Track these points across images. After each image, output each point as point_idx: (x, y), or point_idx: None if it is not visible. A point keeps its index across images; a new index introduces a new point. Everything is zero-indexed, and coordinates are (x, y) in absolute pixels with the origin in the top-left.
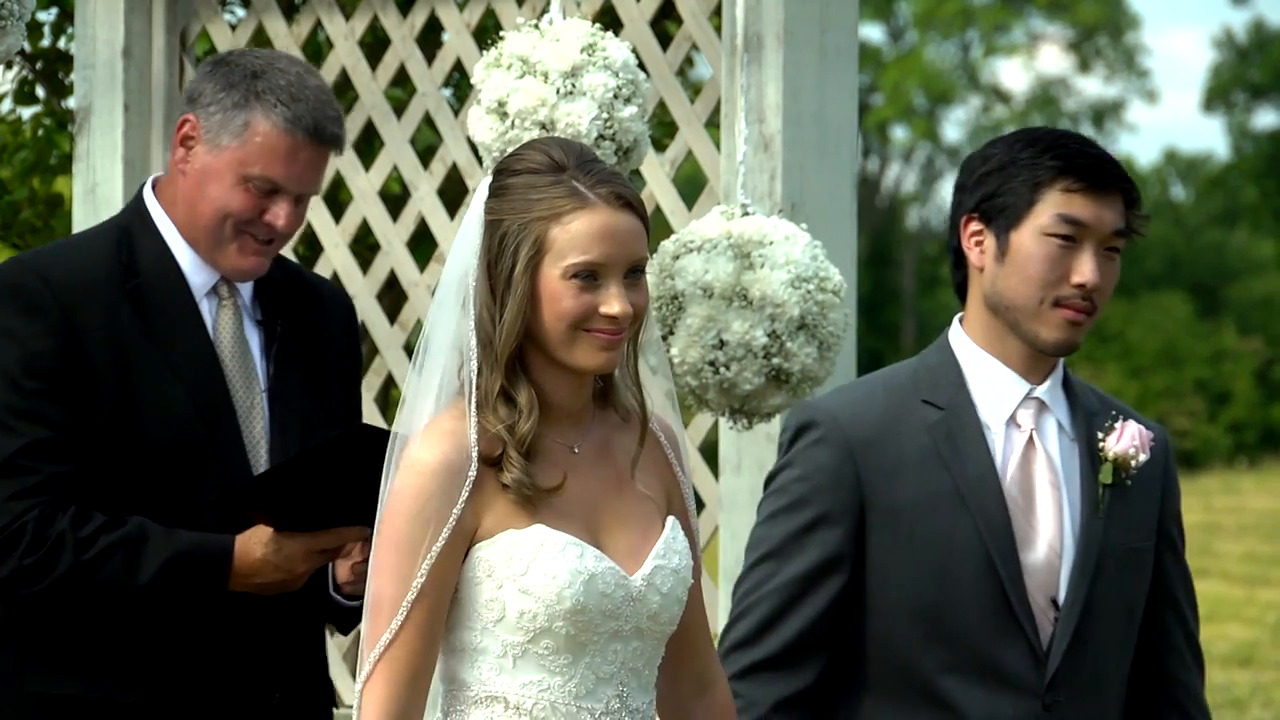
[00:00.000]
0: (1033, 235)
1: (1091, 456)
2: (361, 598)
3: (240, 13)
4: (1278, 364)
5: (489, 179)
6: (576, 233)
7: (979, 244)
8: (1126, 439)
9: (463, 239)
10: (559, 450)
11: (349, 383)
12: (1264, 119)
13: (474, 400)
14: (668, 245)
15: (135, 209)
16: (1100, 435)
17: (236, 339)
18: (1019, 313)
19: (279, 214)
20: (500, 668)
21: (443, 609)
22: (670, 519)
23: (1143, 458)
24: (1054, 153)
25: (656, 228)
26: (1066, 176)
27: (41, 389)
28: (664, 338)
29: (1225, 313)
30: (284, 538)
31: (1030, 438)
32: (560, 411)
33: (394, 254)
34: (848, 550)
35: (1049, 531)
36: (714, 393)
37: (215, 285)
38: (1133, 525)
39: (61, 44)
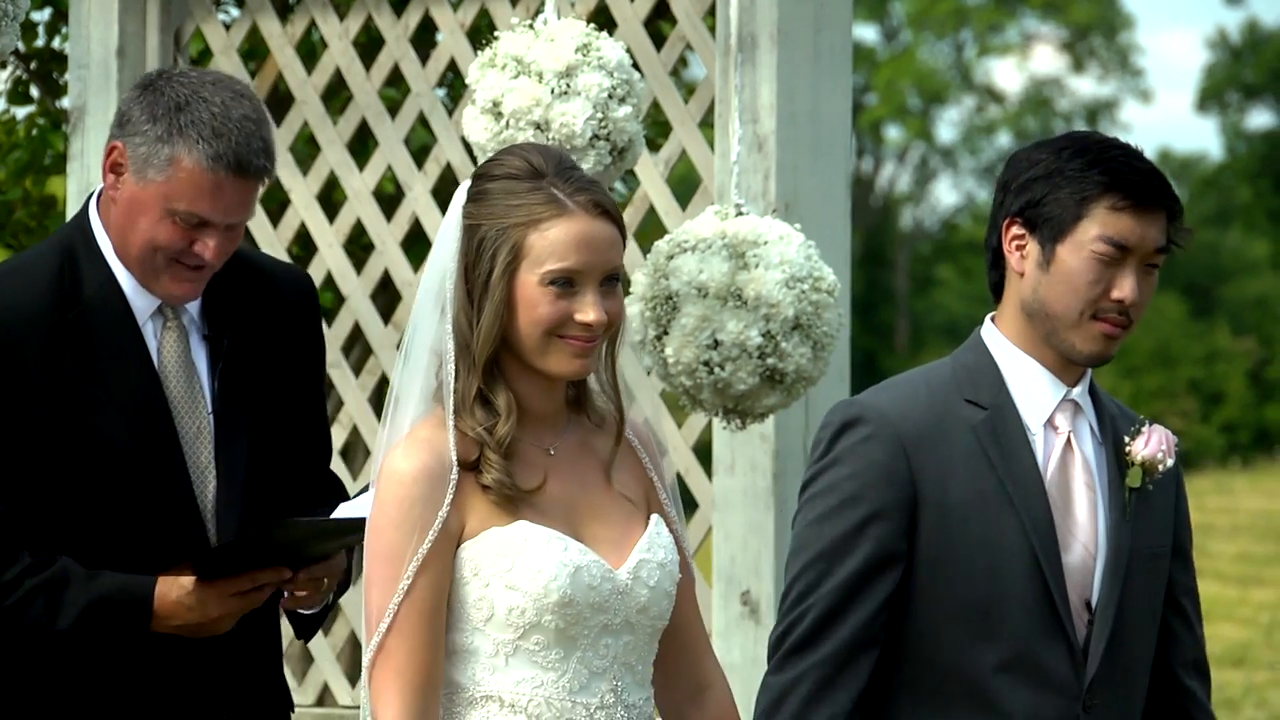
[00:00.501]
0: (1076, 249)
1: (1119, 460)
2: (310, 608)
3: (234, 12)
4: (1271, 364)
5: (467, 184)
6: (554, 240)
7: (1020, 249)
8: (1155, 443)
9: (441, 243)
10: (534, 453)
11: (308, 383)
12: (1258, 119)
13: (451, 404)
14: (662, 245)
15: (79, 226)
16: (1127, 440)
17: (182, 361)
18: (1057, 322)
19: (207, 246)
20: (493, 667)
21: (440, 614)
22: (654, 516)
23: (1170, 462)
24: (1101, 167)
25: (650, 228)
26: (1113, 193)
27: None
28: (658, 338)
29: (1219, 313)
30: (201, 583)
31: (1069, 440)
32: (534, 415)
33: (388, 254)
34: (901, 547)
35: (1085, 534)
36: (708, 393)
37: (160, 306)
38: (1154, 529)
39: (56, 44)
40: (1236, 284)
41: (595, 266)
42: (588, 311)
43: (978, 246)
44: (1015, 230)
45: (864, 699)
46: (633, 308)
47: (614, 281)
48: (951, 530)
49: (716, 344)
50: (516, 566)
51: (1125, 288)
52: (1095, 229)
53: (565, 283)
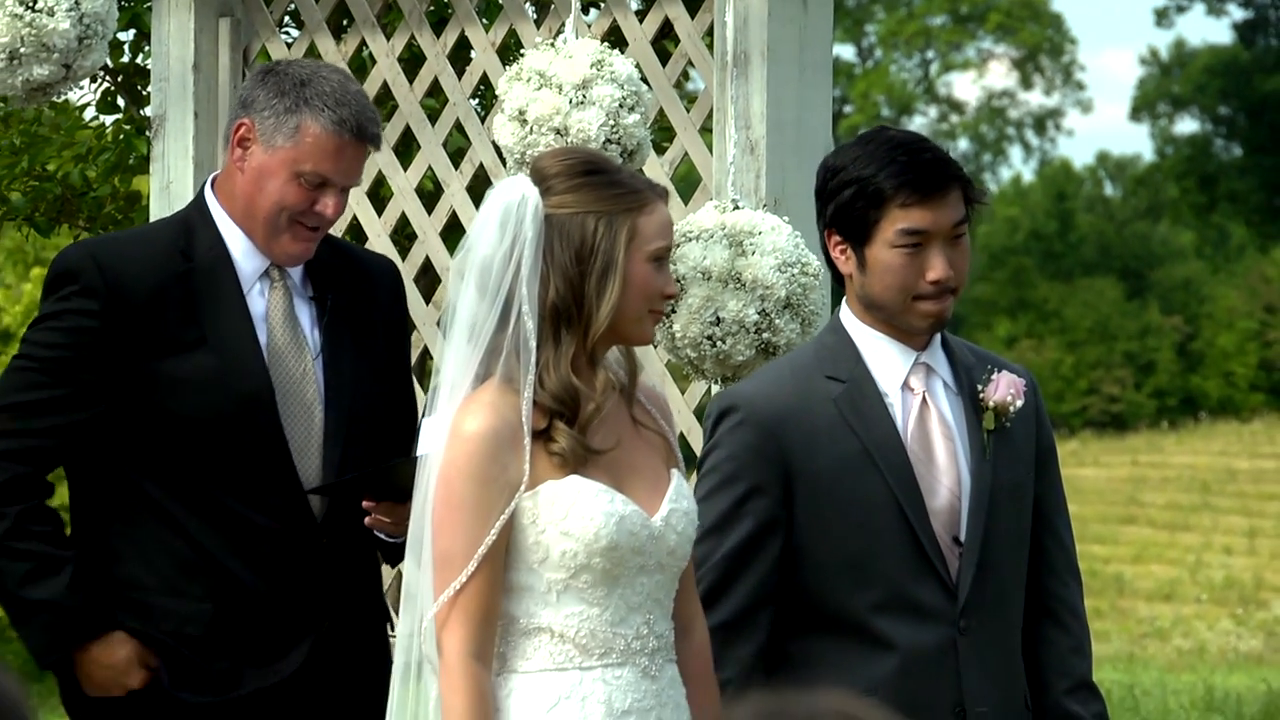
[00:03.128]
0: (883, 247)
1: (975, 407)
2: (396, 538)
3: (295, 33)
4: (1196, 339)
5: (519, 184)
6: (657, 222)
7: (843, 253)
8: (1003, 388)
9: (483, 236)
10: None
11: (397, 346)
12: (1184, 126)
13: (532, 375)
14: None
15: (196, 204)
16: (980, 388)
17: (287, 315)
18: (888, 310)
19: (328, 204)
20: (545, 602)
21: (502, 558)
22: (674, 470)
23: (1019, 403)
24: (887, 171)
25: None
26: (901, 193)
27: (77, 358)
28: (666, 315)
29: (1150, 294)
30: (124, 649)
31: (924, 398)
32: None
33: (429, 243)
34: (780, 514)
35: (948, 478)
36: (710, 363)
37: (266, 270)
38: (1016, 462)
39: (139, 60)
40: (1166, 269)
41: (672, 246)
42: (671, 285)
43: None
44: (835, 239)
45: (768, 646)
46: None
47: None
48: (822, 494)
49: (718, 321)
50: (570, 515)
51: (937, 268)
52: (894, 226)
53: (660, 260)
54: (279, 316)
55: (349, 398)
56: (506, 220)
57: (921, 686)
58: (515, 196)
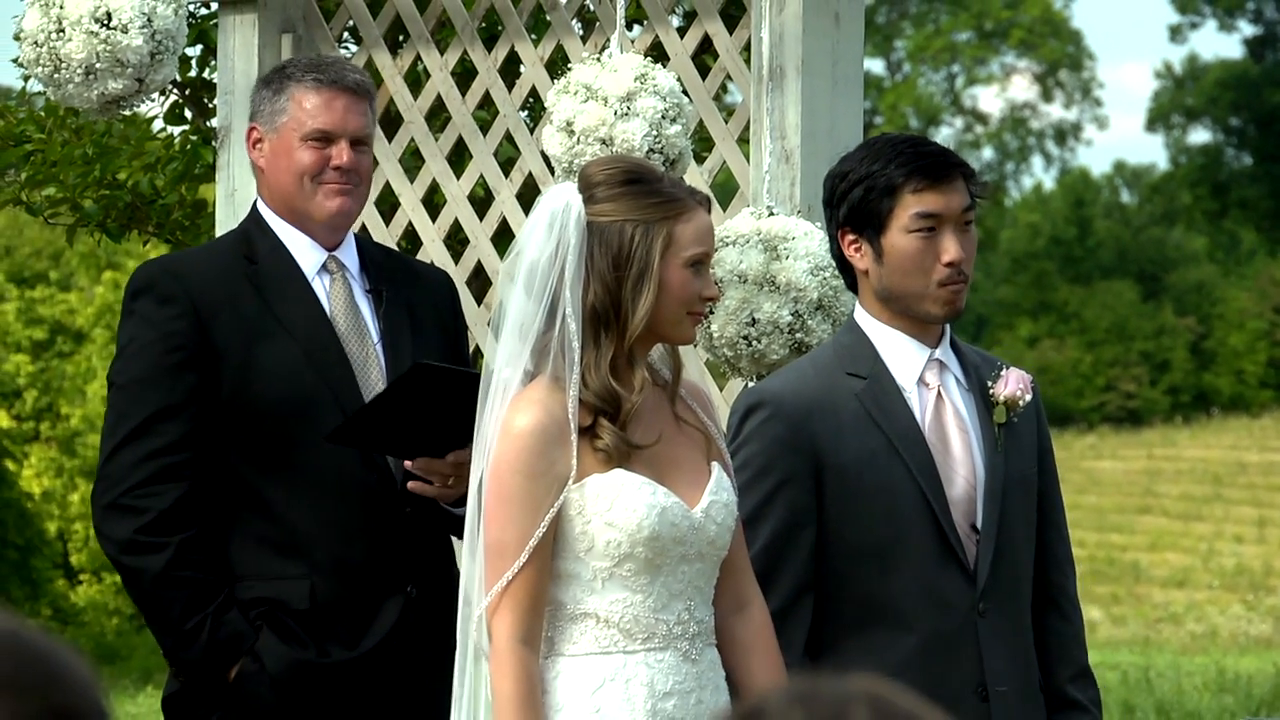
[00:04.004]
0: (900, 234)
1: (985, 402)
2: (453, 502)
3: (353, 48)
4: (1208, 338)
5: (566, 191)
6: (695, 228)
7: (858, 251)
8: (1013, 383)
9: (533, 240)
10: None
11: (452, 347)
12: (1197, 136)
13: (577, 374)
14: None
15: (252, 216)
16: (990, 383)
17: (349, 304)
18: (909, 299)
19: (341, 154)
20: (591, 589)
21: (551, 548)
22: (714, 462)
23: (1028, 398)
24: (897, 162)
25: None
26: (912, 180)
27: (178, 361)
28: (705, 316)
29: (1165, 296)
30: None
31: (939, 393)
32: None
33: (480, 247)
34: (811, 504)
35: (964, 469)
36: (746, 362)
37: (325, 263)
38: (1022, 455)
39: (206, 74)
40: (1179, 272)
41: (712, 252)
42: (711, 288)
43: None
44: (849, 237)
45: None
46: None
47: None
48: (849, 485)
49: (754, 322)
50: (615, 507)
51: (951, 249)
52: (908, 211)
53: (698, 265)
54: (341, 305)
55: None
56: (553, 225)
57: (944, 667)
58: (561, 203)
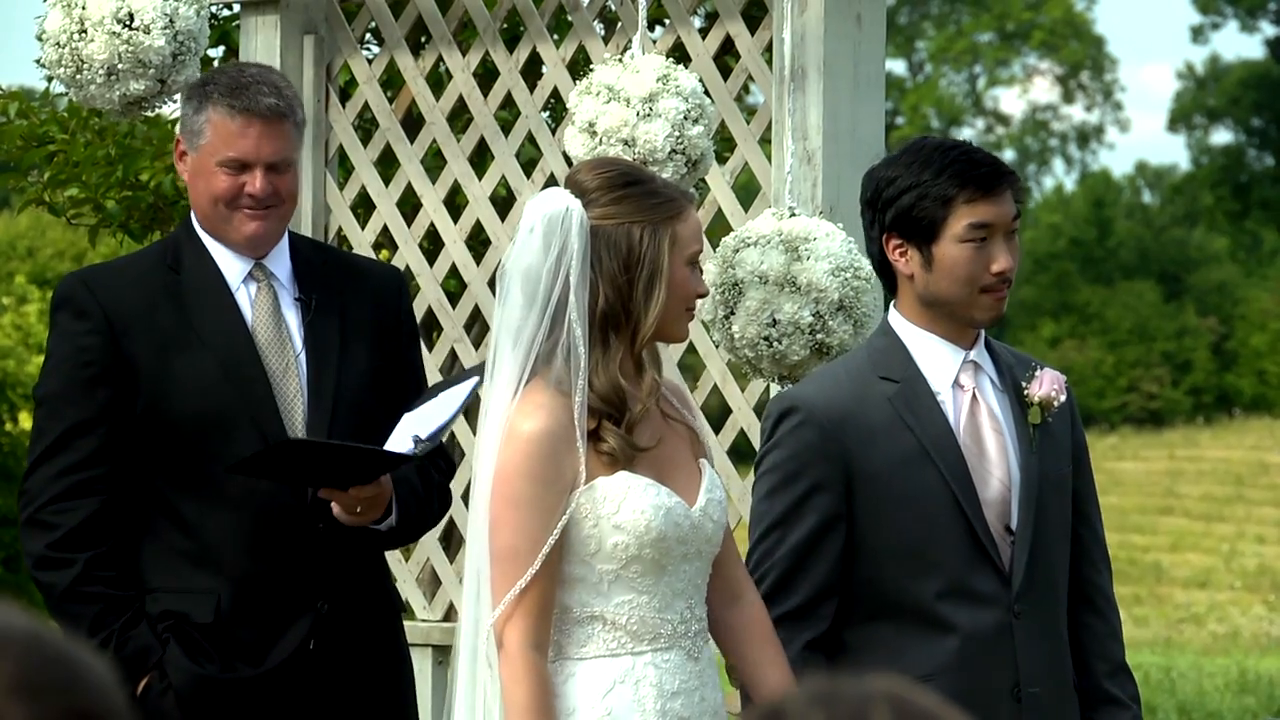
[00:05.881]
0: (952, 243)
1: (1020, 403)
2: (372, 524)
3: (375, 49)
4: (1230, 339)
5: (560, 198)
6: (692, 227)
7: (903, 256)
8: (1047, 384)
9: (528, 247)
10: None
11: (391, 349)
12: (1219, 137)
13: (584, 379)
14: (729, 241)
15: (183, 225)
16: (1024, 384)
17: (272, 313)
18: (955, 305)
19: (254, 183)
20: (598, 592)
21: (560, 553)
22: (703, 460)
23: (1062, 398)
24: (949, 171)
25: (718, 227)
26: (966, 189)
27: (89, 376)
28: (726, 317)
29: (1187, 297)
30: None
31: (974, 395)
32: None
33: (502, 249)
34: (842, 510)
35: (999, 470)
36: (767, 363)
37: (251, 271)
38: (1058, 456)
39: None
40: (1201, 273)
41: (702, 249)
42: (703, 285)
43: None
44: (895, 242)
45: (826, 634)
46: None
47: None
48: (881, 489)
49: (775, 323)
50: (621, 510)
51: (1001, 260)
52: (961, 222)
53: (694, 263)
54: (264, 314)
55: (331, 394)
56: (551, 232)
57: (981, 669)
58: (558, 208)
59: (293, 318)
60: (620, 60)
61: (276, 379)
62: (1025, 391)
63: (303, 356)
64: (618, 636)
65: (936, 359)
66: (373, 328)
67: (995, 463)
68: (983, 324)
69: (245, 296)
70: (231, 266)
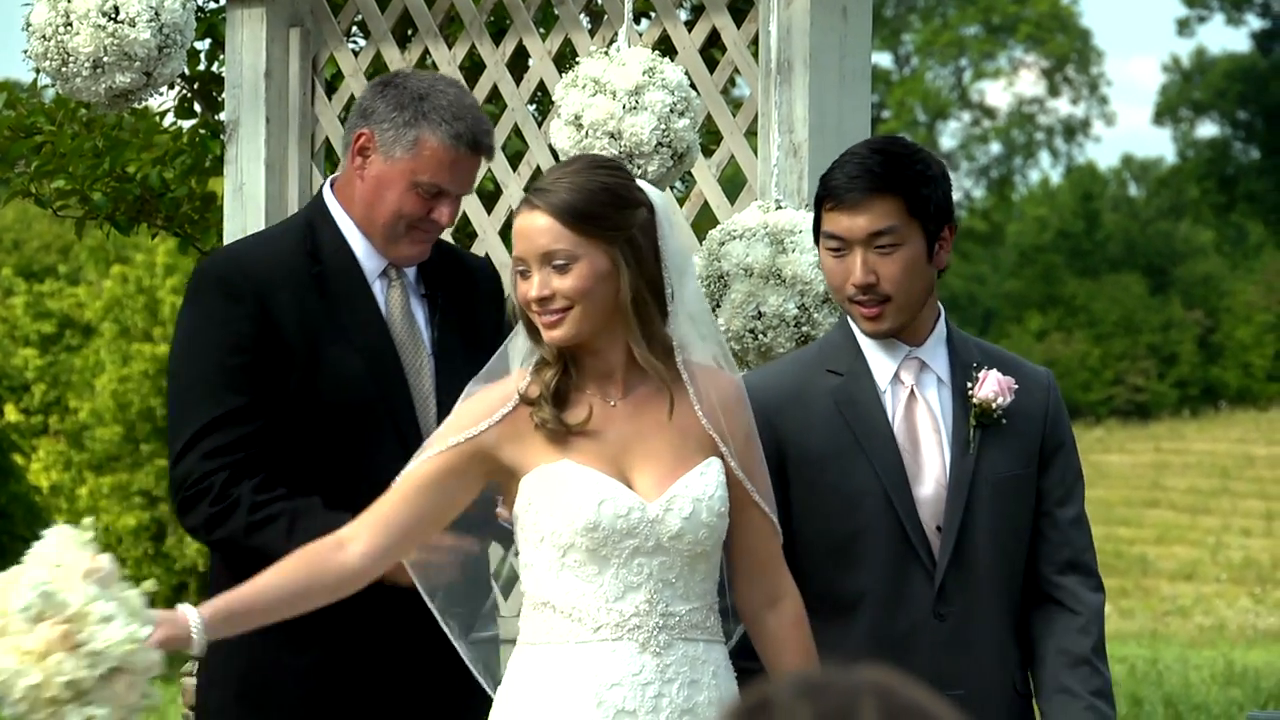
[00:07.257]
0: (822, 249)
1: (964, 403)
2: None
3: (361, 42)
4: (1216, 332)
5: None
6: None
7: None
8: (989, 387)
9: None
10: (596, 402)
11: (498, 334)
12: (1204, 130)
13: (533, 361)
14: (715, 234)
15: (317, 207)
16: (969, 385)
17: (404, 312)
18: (845, 310)
19: (444, 213)
20: (547, 578)
21: (425, 494)
22: (712, 458)
23: (1002, 401)
24: (827, 176)
25: (704, 220)
26: (826, 200)
27: (241, 364)
28: (712, 310)
29: (1172, 290)
30: None
31: (911, 391)
32: (598, 374)
33: (488, 240)
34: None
35: (935, 469)
36: (753, 355)
37: (385, 269)
38: (1009, 456)
39: (214, 68)
40: (1187, 265)
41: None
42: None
43: (974, 234)
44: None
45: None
46: None
47: None
48: (813, 478)
49: (760, 315)
50: (557, 497)
51: (855, 273)
52: (823, 229)
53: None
54: (398, 314)
55: (460, 393)
56: None
57: (893, 667)
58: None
59: (420, 314)
60: (606, 53)
61: (411, 378)
62: (970, 393)
63: (432, 355)
64: (563, 623)
65: (881, 354)
66: (486, 326)
67: (931, 461)
68: (870, 334)
69: (379, 291)
70: (369, 260)
